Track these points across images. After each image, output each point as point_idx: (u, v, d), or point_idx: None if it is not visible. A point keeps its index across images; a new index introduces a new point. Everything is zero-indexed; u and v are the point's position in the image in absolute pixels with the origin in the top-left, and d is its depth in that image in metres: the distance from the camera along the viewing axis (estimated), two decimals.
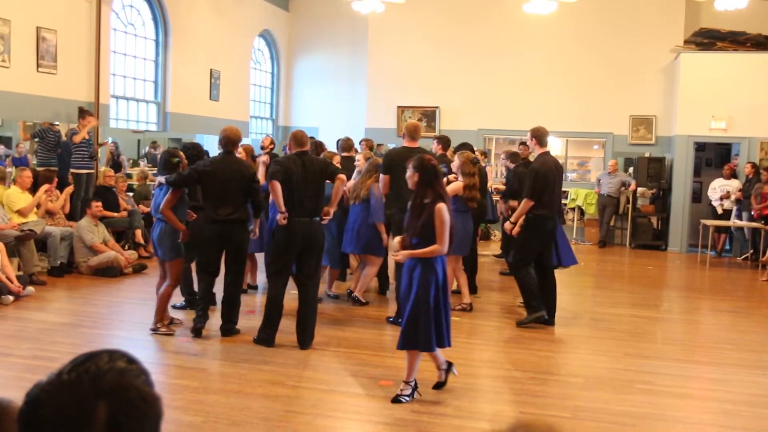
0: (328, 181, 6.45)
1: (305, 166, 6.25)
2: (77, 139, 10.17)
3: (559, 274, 10.93)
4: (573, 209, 15.02)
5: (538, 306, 7.28)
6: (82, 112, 10.49)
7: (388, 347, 6.35)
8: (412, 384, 5.04)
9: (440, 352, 5.17)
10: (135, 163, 13.04)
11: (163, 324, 6.69)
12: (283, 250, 6.22)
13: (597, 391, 5.44)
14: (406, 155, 7.42)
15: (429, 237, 4.82)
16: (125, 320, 7.44)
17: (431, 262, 4.87)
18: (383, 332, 7.00)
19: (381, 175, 7.31)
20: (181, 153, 6.91)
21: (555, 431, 0.99)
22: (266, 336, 6.31)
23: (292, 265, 6.32)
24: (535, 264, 7.44)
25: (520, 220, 7.35)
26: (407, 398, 4.98)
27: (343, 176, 6.47)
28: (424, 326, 4.81)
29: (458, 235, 7.60)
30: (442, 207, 4.83)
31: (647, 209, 14.62)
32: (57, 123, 10.62)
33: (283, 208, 6.09)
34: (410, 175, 5.00)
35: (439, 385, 5.23)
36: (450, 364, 5.27)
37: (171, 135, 13.77)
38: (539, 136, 7.40)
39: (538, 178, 7.21)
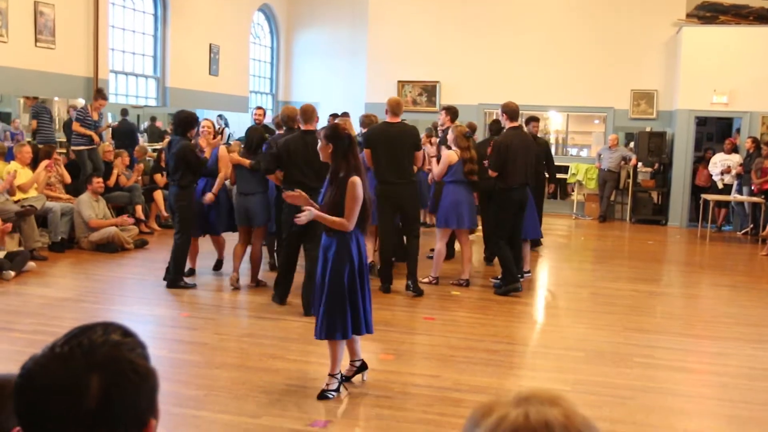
0: None
1: (308, 147, 6.23)
2: (79, 129, 10.13)
3: (558, 248, 11.03)
4: (573, 184, 15.02)
5: (514, 277, 7.52)
6: (101, 93, 10.45)
7: (389, 321, 6.36)
8: (338, 377, 4.66)
9: (359, 345, 4.84)
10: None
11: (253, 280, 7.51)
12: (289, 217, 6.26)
13: (597, 365, 5.47)
14: (387, 130, 7.43)
15: (340, 212, 4.47)
16: (127, 295, 7.47)
17: (346, 242, 4.50)
18: (385, 306, 7.01)
19: (364, 149, 7.29)
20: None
21: (558, 401, 0.98)
22: (279, 293, 6.61)
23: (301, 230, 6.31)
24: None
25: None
26: (333, 393, 4.59)
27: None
28: (340, 312, 4.48)
29: (460, 207, 7.62)
30: (356, 181, 4.45)
31: (648, 184, 14.60)
32: (56, 98, 10.58)
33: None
34: (322, 146, 4.58)
35: (346, 379, 4.79)
36: (363, 366, 4.89)
37: (170, 110, 13.70)
38: (509, 111, 7.65)
39: (499, 151, 7.45)
